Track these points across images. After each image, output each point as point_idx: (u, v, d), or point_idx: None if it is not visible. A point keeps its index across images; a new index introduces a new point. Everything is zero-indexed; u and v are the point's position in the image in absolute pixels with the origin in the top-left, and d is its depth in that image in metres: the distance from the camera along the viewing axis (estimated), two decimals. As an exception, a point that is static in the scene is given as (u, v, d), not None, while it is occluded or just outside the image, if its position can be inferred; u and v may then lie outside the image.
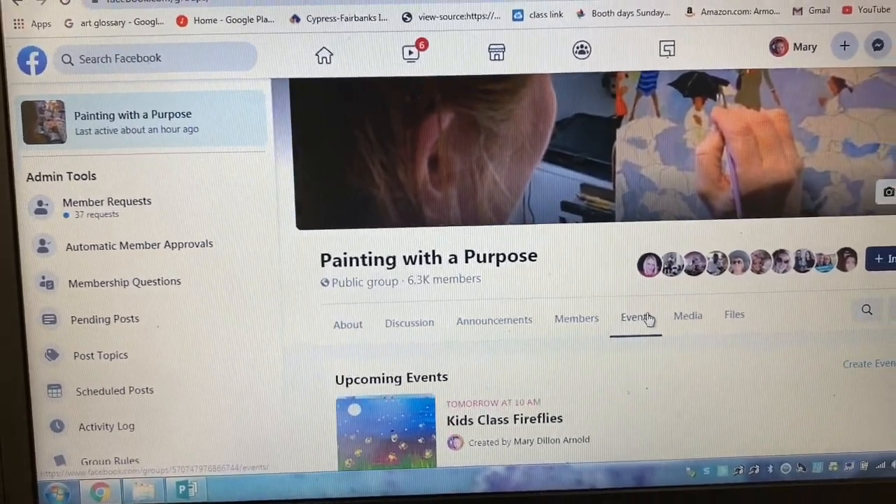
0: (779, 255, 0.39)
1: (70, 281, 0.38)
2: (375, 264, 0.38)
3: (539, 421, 0.40)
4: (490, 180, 0.38)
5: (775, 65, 0.38)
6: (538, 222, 0.38)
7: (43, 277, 0.38)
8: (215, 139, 0.37)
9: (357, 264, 0.38)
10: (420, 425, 0.39)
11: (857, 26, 0.38)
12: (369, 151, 0.37)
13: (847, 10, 0.38)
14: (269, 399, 0.38)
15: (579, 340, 0.39)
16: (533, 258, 0.38)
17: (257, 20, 0.37)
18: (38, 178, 0.37)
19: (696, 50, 0.37)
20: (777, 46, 0.38)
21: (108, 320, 0.38)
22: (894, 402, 0.40)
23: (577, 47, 0.37)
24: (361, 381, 0.39)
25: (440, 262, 0.38)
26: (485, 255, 0.38)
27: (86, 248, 0.38)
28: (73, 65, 0.36)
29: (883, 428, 0.40)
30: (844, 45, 0.38)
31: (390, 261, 0.38)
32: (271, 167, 0.37)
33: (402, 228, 0.38)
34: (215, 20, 0.37)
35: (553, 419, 0.40)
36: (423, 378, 0.39)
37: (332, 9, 0.37)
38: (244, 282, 0.38)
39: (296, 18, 0.37)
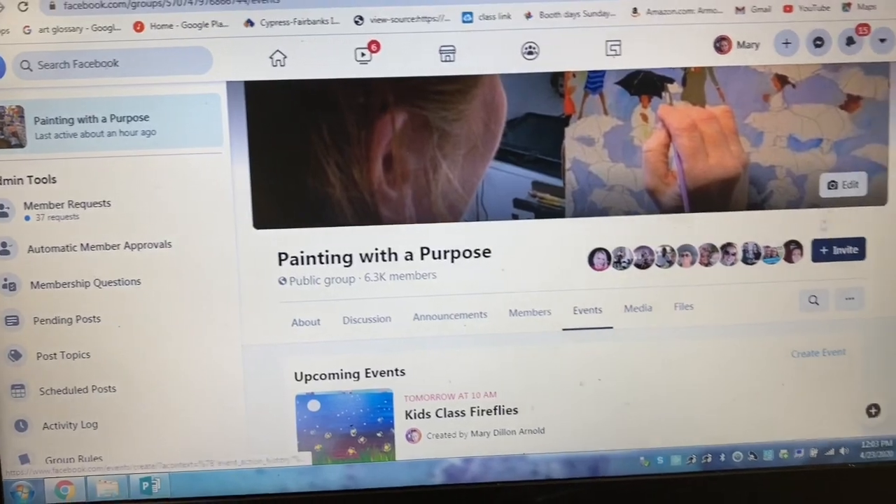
0: (726, 248, 0.40)
1: (32, 282, 0.38)
2: (332, 262, 0.39)
3: (495, 413, 0.40)
4: (444, 179, 0.39)
5: (720, 63, 0.39)
6: (491, 219, 0.39)
7: (5, 279, 0.38)
8: (173, 141, 0.38)
9: (314, 262, 0.39)
10: (378, 420, 0.40)
11: (798, 24, 0.39)
12: (324, 152, 0.38)
13: (788, 8, 0.39)
14: (229, 395, 0.39)
15: (533, 334, 0.40)
16: (487, 254, 0.39)
17: (212, 25, 0.37)
18: (-2, 181, 0.38)
19: (642, 49, 0.38)
20: (721, 45, 0.39)
21: (70, 321, 0.39)
22: (841, 390, 0.41)
23: (526, 48, 0.38)
24: (320, 378, 0.40)
25: (396, 259, 0.39)
26: (440, 252, 0.39)
27: (47, 250, 0.38)
28: (31, 71, 0.37)
29: (830, 415, 0.41)
30: (786, 43, 0.39)
31: (347, 259, 0.39)
32: (228, 168, 0.38)
33: (359, 227, 0.39)
34: (171, 25, 0.37)
35: (509, 411, 0.40)
36: (380, 373, 0.40)
37: (285, 13, 0.37)
38: (203, 281, 0.38)
39: (250, 23, 0.37)
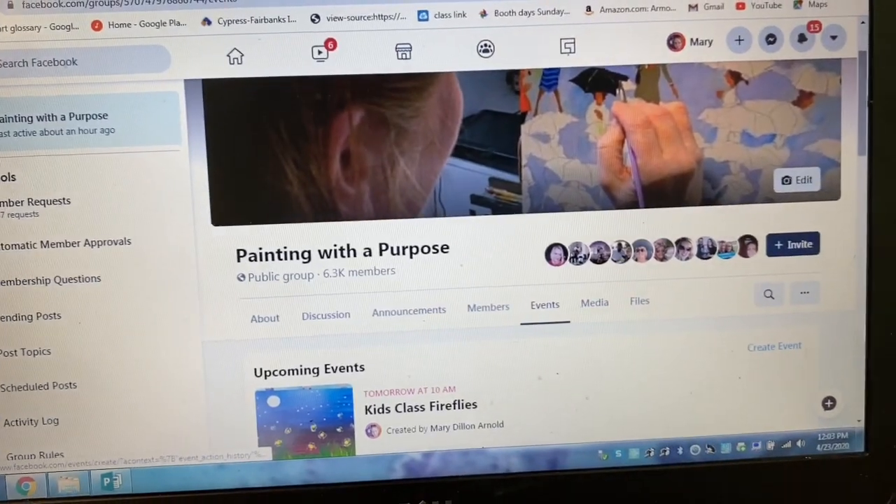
0: (681, 243, 0.40)
1: (-8, 280, 0.39)
2: (291, 259, 0.39)
3: (455, 408, 0.41)
4: (401, 175, 0.39)
5: (673, 59, 0.39)
6: (449, 215, 0.39)
7: (-35, 277, 0.39)
8: (131, 139, 0.38)
9: (273, 259, 0.39)
10: (338, 415, 0.40)
11: (750, 21, 0.39)
12: (282, 149, 0.38)
13: (740, 6, 0.39)
14: (189, 392, 0.39)
15: (491, 329, 0.40)
16: (445, 250, 0.40)
17: (170, 24, 0.38)
18: (-42, 180, 0.38)
19: (596, 47, 0.39)
20: (674, 42, 0.39)
21: (30, 318, 0.39)
22: (796, 383, 0.41)
23: (481, 46, 0.39)
24: (280, 374, 0.40)
25: (355, 255, 0.39)
26: (398, 248, 0.40)
27: (7, 247, 0.38)
28: (-10, 69, 0.37)
29: (786, 409, 0.42)
30: (739, 40, 0.39)
31: (305, 255, 0.39)
32: (186, 165, 0.38)
33: (317, 223, 0.39)
34: (129, 24, 0.38)
35: (468, 405, 0.41)
36: (340, 369, 0.40)
37: (242, 11, 0.38)
38: (163, 278, 0.39)
39: (207, 21, 0.38)
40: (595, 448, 0.41)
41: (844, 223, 0.40)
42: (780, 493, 0.42)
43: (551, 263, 0.40)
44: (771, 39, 0.39)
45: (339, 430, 0.40)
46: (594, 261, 0.40)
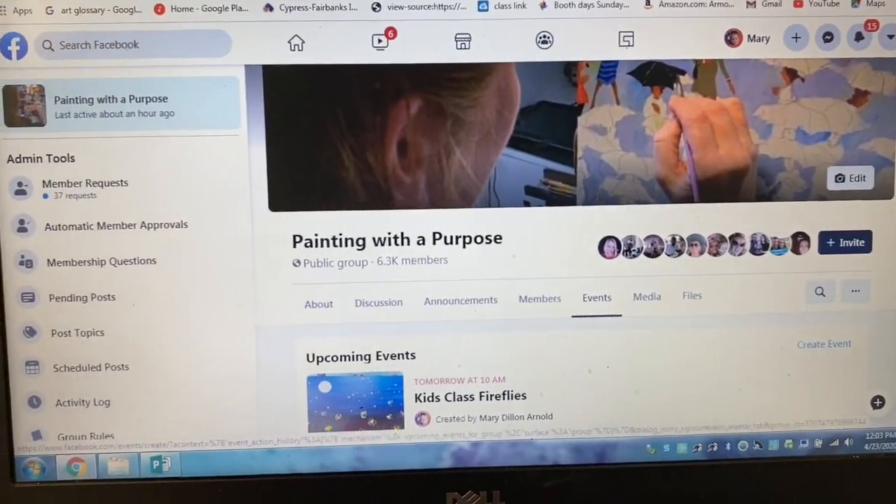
0: (734, 239, 0.40)
1: (49, 260, 0.39)
2: (346, 245, 0.39)
3: (504, 398, 0.41)
4: (457, 165, 0.39)
5: (730, 55, 0.39)
6: (503, 206, 0.40)
7: (22, 257, 0.39)
8: (191, 123, 0.38)
9: (328, 245, 0.39)
10: (389, 402, 0.40)
11: (807, 19, 0.39)
12: (339, 136, 0.39)
13: (798, 3, 0.39)
14: (241, 376, 0.40)
15: (542, 320, 0.40)
16: (498, 241, 0.40)
17: (232, 9, 0.38)
18: (18, 160, 0.38)
19: (654, 41, 0.39)
20: (732, 38, 0.39)
21: (85, 298, 0.39)
22: (845, 382, 0.41)
23: (540, 37, 0.39)
24: (332, 359, 0.40)
25: (408, 243, 0.40)
26: (452, 238, 0.40)
27: (64, 228, 0.39)
28: (53, 50, 0.38)
29: (835, 407, 0.42)
30: (796, 38, 0.39)
31: (360, 242, 0.39)
32: (245, 150, 0.38)
33: (372, 211, 0.39)
34: (192, 9, 0.38)
35: (517, 396, 0.41)
36: (391, 356, 0.40)
37: (304, -2, 0.38)
38: (218, 261, 0.39)
39: (269, 7, 0.38)
40: (643, 442, 0.41)
41: (897, 222, 0.41)
42: (826, 491, 0.42)
43: (604, 256, 0.40)
44: (828, 37, 0.40)
45: (388, 417, 0.40)
46: (647, 254, 0.40)
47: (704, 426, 0.41)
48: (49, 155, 0.38)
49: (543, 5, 0.39)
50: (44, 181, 0.38)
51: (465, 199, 0.39)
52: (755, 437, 0.42)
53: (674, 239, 0.40)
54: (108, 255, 0.39)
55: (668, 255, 0.40)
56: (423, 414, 0.41)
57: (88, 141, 0.38)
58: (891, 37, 0.40)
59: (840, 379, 0.41)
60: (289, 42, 0.38)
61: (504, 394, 0.41)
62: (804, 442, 0.42)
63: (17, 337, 0.39)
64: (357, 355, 0.40)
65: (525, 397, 0.41)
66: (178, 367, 0.40)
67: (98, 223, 0.39)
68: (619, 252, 0.40)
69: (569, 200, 0.40)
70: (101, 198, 0.39)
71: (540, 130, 0.39)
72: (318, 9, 0.38)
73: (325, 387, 0.40)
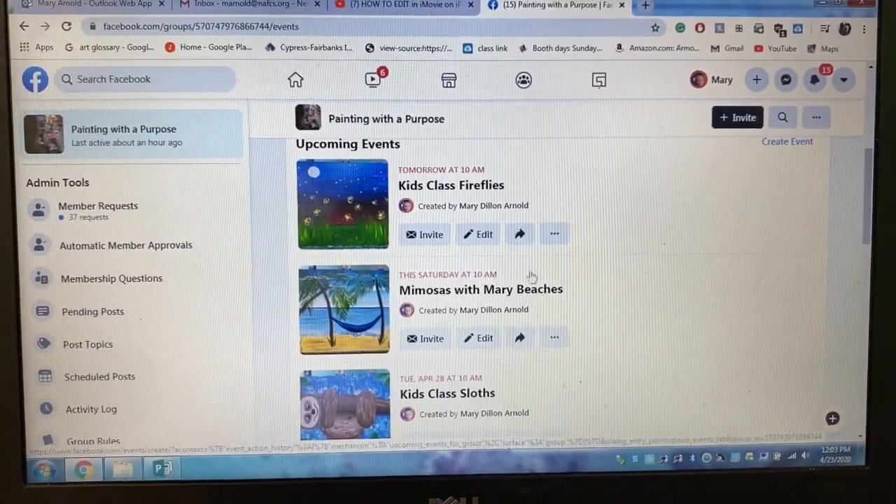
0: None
1: (63, 276, 0.42)
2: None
3: (480, 396, 0.43)
4: None
5: (696, 95, 0.43)
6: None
7: (38, 273, 0.42)
8: (197, 152, 0.42)
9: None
10: (375, 393, 0.43)
11: (767, 63, 0.43)
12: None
13: (759, 48, 0.43)
14: (240, 387, 0.43)
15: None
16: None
17: (237, 48, 0.41)
18: (36, 183, 0.41)
19: (625, 81, 0.42)
20: (697, 79, 0.43)
21: (95, 312, 0.42)
22: (802, 399, 0.44)
23: (520, 78, 0.42)
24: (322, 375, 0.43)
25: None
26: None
27: (78, 247, 0.42)
28: (71, 84, 0.41)
29: (792, 422, 0.44)
30: (757, 79, 0.43)
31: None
32: (247, 177, 0.42)
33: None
34: (199, 47, 0.41)
35: (489, 394, 0.44)
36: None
37: (303, 39, 0.41)
38: (219, 279, 0.42)
39: (271, 47, 0.41)
40: (613, 453, 0.44)
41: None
42: (784, 501, 0.45)
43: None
44: (786, 80, 0.43)
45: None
46: (618, 278, 0.43)
47: (671, 439, 0.44)
48: (65, 179, 0.41)
49: (523, 48, 0.42)
50: (60, 203, 0.42)
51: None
52: (718, 449, 0.44)
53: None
54: (117, 272, 0.42)
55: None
56: (408, 409, 0.43)
57: (102, 167, 0.41)
58: (843, 80, 0.43)
59: (797, 396, 0.44)
60: (289, 79, 0.42)
61: (480, 392, 0.43)
62: (764, 455, 0.45)
63: (31, 347, 0.42)
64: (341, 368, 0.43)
65: (494, 394, 0.44)
66: (181, 377, 0.42)
67: (109, 243, 0.42)
68: (591, 275, 0.43)
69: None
70: (113, 219, 0.42)
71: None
72: (316, 48, 0.42)
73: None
